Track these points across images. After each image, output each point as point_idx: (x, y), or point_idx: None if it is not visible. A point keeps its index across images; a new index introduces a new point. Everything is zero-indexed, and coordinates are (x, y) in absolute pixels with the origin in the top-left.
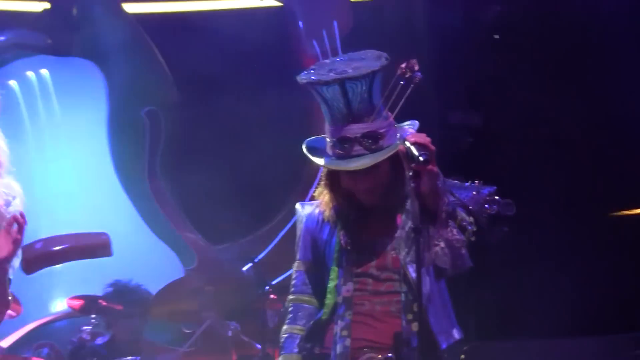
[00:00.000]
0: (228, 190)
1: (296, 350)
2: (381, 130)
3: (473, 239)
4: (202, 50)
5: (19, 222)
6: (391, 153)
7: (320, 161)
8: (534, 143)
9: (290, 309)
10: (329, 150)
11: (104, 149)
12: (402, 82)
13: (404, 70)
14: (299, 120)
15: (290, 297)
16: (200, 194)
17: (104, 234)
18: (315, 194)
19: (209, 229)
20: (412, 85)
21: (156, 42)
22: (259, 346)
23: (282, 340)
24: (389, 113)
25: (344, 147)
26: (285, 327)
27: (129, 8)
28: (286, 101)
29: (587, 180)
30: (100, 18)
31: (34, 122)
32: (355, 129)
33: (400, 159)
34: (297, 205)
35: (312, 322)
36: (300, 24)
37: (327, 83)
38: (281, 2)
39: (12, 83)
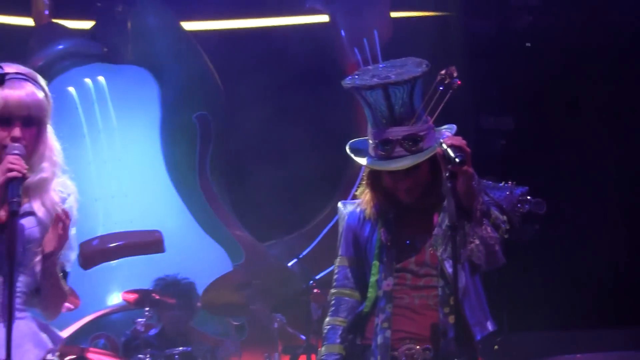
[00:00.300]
0: (274, 190)
1: (339, 340)
2: (421, 133)
3: (506, 236)
4: (252, 60)
5: (62, 219)
6: (430, 155)
7: (363, 161)
8: (562, 145)
9: (333, 302)
10: (371, 152)
11: (157, 151)
12: (441, 88)
13: (443, 76)
14: (342, 125)
15: (333, 290)
16: (248, 194)
17: (157, 231)
18: (357, 193)
19: (256, 227)
20: (450, 91)
21: (209, 55)
22: (303, 337)
23: (325, 331)
24: (429, 117)
25: (385, 148)
26: (328, 319)
27: (188, 26)
28: (329, 106)
29: (618, 177)
30: (153, 29)
31: (91, 126)
32: (397, 132)
33: (438, 162)
34: (339, 204)
35: (354, 315)
36: (343, 33)
37: (371, 87)
38: (324, 10)
39: (71, 89)
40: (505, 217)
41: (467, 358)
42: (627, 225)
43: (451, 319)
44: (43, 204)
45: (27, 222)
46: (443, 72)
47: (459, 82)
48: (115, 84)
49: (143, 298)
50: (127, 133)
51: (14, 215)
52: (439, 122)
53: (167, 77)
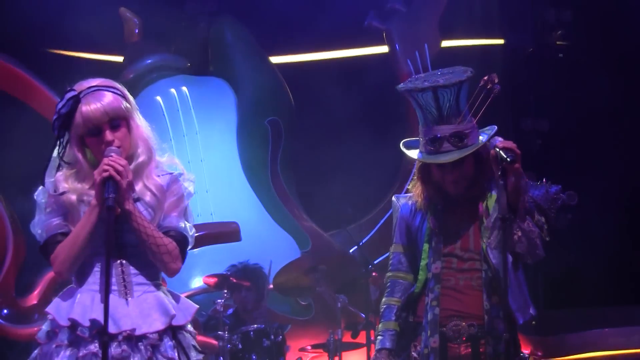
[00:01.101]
0: (337, 185)
1: (394, 318)
2: (466, 131)
3: (547, 239)
4: (321, 78)
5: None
6: (474, 150)
7: (414, 154)
8: (592, 145)
9: (388, 284)
10: (421, 148)
11: (234, 152)
12: (484, 92)
13: (486, 82)
14: (396, 129)
15: (388, 274)
16: (314, 189)
17: (234, 222)
18: (410, 187)
19: (322, 218)
20: (492, 95)
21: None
22: (363, 315)
23: (382, 310)
24: (472, 117)
25: (434, 144)
26: (384, 299)
27: (274, 60)
28: (384, 114)
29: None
30: (230, 44)
31: (176, 131)
32: (445, 130)
33: (482, 157)
34: (394, 198)
35: (407, 295)
36: (397, 46)
37: (422, 90)
38: (381, 27)
39: (158, 98)
40: (544, 219)
41: (508, 334)
42: None
43: (494, 300)
44: (147, 189)
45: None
46: (486, 78)
47: (499, 88)
48: (197, 93)
49: (222, 282)
50: (208, 137)
51: (109, 210)
52: (484, 124)
53: (243, 87)
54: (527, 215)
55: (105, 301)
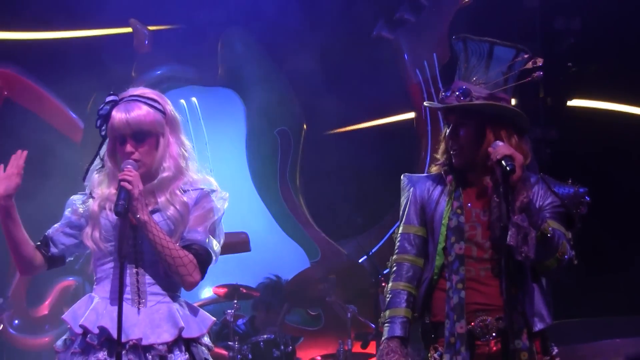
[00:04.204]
0: (346, 196)
1: (404, 304)
2: (480, 95)
3: (576, 262)
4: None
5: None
6: (471, 106)
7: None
8: (598, 153)
9: (394, 268)
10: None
11: (243, 162)
12: (524, 66)
13: (529, 59)
14: (407, 138)
15: (393, 257)
16: (324, 199)
17: (244, 233)
18: (439, 154)
19: (331, 228)
20: (530, 77)
21: None
22: (373, 325)
23: (389, 298)
24: (505, 94)
25: (445, 93)
26: (390, 284)
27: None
28: (391, 130)
29: None
30: (240, 55)
31: None
32: (462, 84)
33: (484, 129)
34: (403, 177)
35: (425, 284)
36: (406, 56)
37: (480, 40)
38: (390, 37)
39: None
40: (571, 239)
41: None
42: None
43: (513, 290)
44: (170, 203)
45: (155, 218)
46: (531, 55)
47: (542, 75)
48: (206, 104)
49: (232, 292)
50: (217, 147)
51: (118, 215)
52: None
53: (252, 98)
54: (524, 213)
55: (119, 310)
